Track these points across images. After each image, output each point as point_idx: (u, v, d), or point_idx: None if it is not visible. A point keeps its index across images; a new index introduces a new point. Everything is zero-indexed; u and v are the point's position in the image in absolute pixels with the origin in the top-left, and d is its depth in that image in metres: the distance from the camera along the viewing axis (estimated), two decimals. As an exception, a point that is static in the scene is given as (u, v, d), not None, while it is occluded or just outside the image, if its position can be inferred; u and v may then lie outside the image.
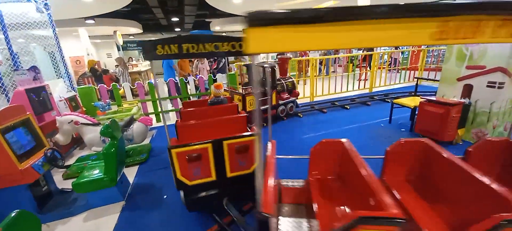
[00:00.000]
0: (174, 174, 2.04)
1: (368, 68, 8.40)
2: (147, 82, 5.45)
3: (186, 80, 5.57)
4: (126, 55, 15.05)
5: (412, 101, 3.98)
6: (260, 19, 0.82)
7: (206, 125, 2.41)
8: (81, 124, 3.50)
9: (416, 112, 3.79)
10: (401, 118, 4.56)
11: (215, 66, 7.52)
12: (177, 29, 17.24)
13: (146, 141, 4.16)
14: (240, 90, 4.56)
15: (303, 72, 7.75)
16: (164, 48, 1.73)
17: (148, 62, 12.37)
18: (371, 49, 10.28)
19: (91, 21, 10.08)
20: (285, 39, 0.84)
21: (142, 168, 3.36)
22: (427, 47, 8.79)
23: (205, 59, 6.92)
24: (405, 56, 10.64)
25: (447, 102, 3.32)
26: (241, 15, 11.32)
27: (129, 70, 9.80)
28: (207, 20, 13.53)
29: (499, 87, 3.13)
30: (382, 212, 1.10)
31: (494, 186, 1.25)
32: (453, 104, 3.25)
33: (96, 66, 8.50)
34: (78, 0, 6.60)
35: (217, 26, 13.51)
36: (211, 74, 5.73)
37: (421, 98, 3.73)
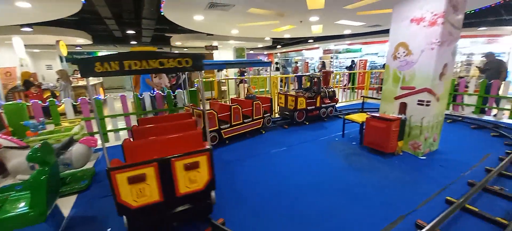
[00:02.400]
0: (114, 198, 1.89)
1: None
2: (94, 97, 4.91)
3: (141, 96, 5.21)
4: (71, 68, 13.54)
5: (360, 117, 4.38)
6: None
7: (155, 143, 2.42)
8: (4, 147, 2.92)
9: (364, 127, 4.16)
10: (352, 132, 4.96)
11: (174, 82, 7.25)
12: (133, 42, 16.31)
13: (89, 165, 3.68)
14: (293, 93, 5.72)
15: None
16: (103, 65, 1.64)
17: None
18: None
19: (29, 29, 8.87)
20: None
21: (81, 197, 2.92)
22: (370, 70, 9.92)
23: (164, 74, 6.62)
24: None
25: (388, 118, 3.73)
26: (203, 32, 11.33)
27: (73, 84, 8.80)
28: (167, 35, 13.12)
29: (426, 105, 3.65)
30: None
31: None
32: (393, 119, 3.67)
33: (31, 79, 7.44)
34: (14, 5, 5.74)
35: (177, 42, 13.19)
36: (170, 91, 5.48)
37: (367, 114, 4.12)
